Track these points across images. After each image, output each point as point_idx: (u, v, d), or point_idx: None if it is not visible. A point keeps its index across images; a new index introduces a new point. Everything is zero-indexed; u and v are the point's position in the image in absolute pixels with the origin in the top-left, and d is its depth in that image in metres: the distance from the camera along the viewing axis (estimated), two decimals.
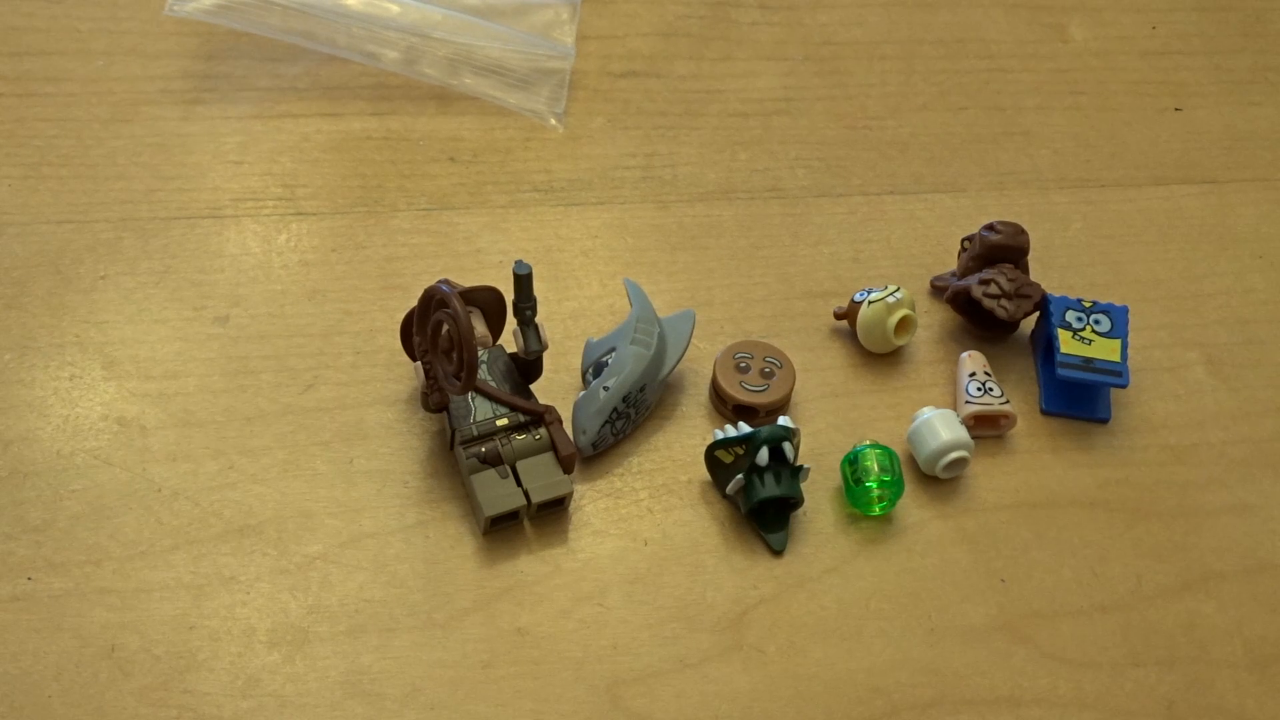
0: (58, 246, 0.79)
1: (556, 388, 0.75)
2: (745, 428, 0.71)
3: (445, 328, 0.67)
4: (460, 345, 0.65)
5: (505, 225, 0.83)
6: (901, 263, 0.84)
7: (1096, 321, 0.77)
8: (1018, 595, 0.71)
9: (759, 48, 0.95)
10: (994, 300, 0.77)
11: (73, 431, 0.72)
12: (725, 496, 0.72)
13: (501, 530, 0.70)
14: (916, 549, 0.72)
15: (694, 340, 0.76)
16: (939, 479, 0.74)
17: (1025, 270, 0.81)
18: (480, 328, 0.72)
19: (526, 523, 0.71)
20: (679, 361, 0.75)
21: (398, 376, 0.75)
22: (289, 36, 0.87)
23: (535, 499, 0.69)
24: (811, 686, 0.67)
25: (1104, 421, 0.78)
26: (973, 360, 0.78)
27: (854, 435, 0.75)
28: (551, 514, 0.71)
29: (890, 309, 0.77)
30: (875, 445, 0.72)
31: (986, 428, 0.76)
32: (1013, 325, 0.80)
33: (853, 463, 0.72)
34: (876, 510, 0.72)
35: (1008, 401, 0.76)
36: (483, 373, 0.72)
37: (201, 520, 0.69)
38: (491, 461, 0.70)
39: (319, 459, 0.72)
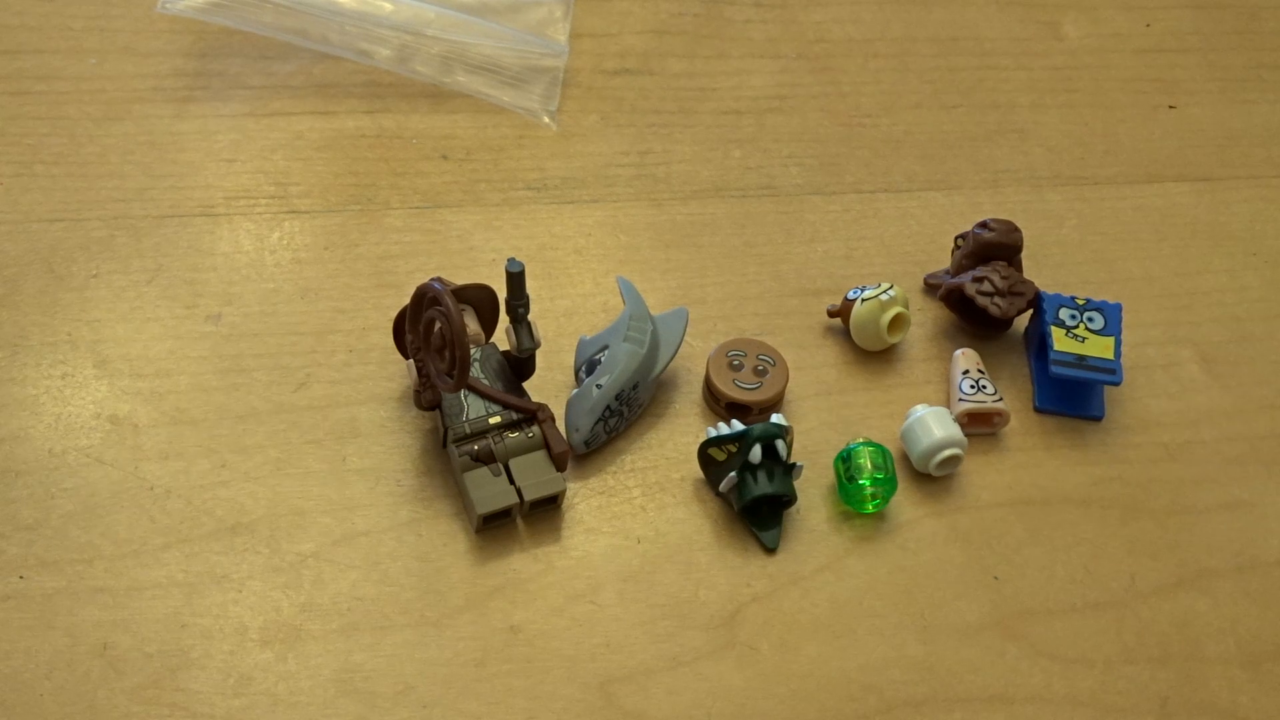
0: (50, 245, 0.79)
1: (549, 385, 0.75)
2: (738, 425, 0.71)
3: (438, 325, 0.67)
4: (453, 343, 0.65)
5: (498, 223, 0.83)
6: (895, 260, 0.84)
7: (1090, 319, 0.77)
8: (1011, 593, 0.71)
9: (752, 45, 0.95)
10: (987, 298, 0.77)
11: (65, 430, 0.72)
12: (718, 494, 0.72)
13: (494, 528, 0.70)
14: (910, 546, 0.72)
15: (687, 338, 0.76)
16: (932, 477, 0.74)
17: (1018, 268, 0.80)
18: (473, 326, 0.72)
19: (519, 521, 0.71)
20: (672, 359, 0.75)
21: (390, 374, 0.75)
22: (282, 34, 0.87)
23: (528, 497, 0.69)
24: (805, 684, 0.67)
25: (1097, 419, 0.78)
26: (966, 358, 0.78)
27: (847, 433, 0.75)
28: (544, 512, 0.71)
29: (883, 307, 0.77)
30: (868, 443, 0.72)
31: (980, 425, 0.76)
32: (1006, 323, 0.80)
33: (846, 460, 0.72)
34: (870, 508, 0.72)
35: (1001, 399, 0.76)
36: (475, 370, 0.72)
37: (194, 518, 0.69)
38: (484, 459, 0.70)
39: (311, 457, 0.72)
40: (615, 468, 0.73)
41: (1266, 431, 0.79)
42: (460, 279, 0.71)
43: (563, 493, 0.70)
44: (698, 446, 0.72)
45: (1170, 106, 0.96)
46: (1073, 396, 0.78)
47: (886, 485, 0.72)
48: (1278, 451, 0.78)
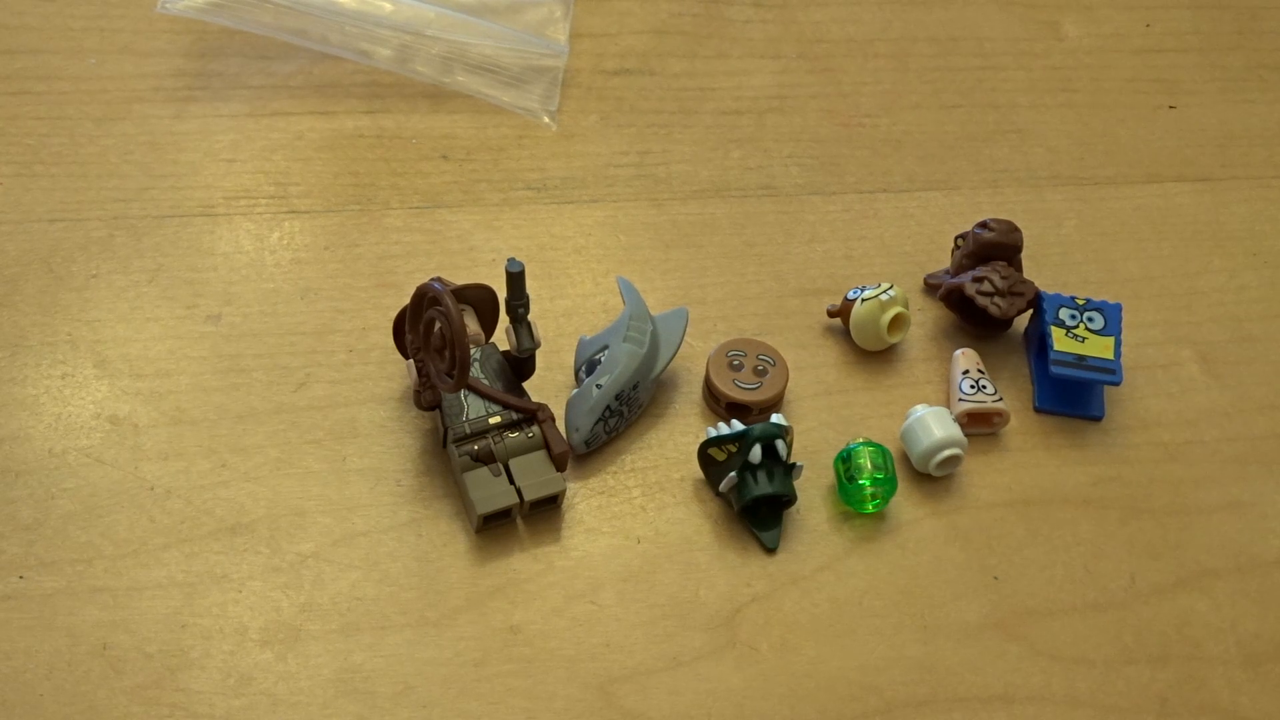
0: (50, 245, 0.79)
1: (549, 385, 0.75)
2: (738, 425, 0.71)
3: (438, 326, 0.67)
4: (453, 343, 0.65)
5: (498, 223, 0.83)
6: (895, 260, 0.84)
7: (1090, 319, 0.77)
8: (1011, 593, 0.71)
9: (752, 45, 0.95)
10: (987, 298, 0.77)
11: (65, 430, 0.72)
12: (718, 494, 0.72)
13: (494, 528, 0.70)
14: (909, 546, 0.72)
15: (687, 338, 0.76)
16: (932, 476, 0.74)
17: (1018, 268, 0.80)
18: (473, 326, 0.72)
19: (519, 521, 0.71)
20: (672, 359, 0.75)
21: (390, 375, 0.75)
22: (282, 34, 0.87)
23: (528, 497, 0.69)
24: (805, 684, 0.67)
25: (1097, 419, 0.78)
26: (966, 358, 0.78)
27: (847, 433, 0.75)
28: (544, 512, 0.71)
29: (883, 307, 0.77)
30: (868, 443, 0.72)
31: (980, 425, 0.76)
32: (1006, 323, 0.80)
33: (846, 460, 0.72)
34: (869, 508, 0.72)
35: (1001, 399, 0.76)
36: (475, 371, 0.72)
37: (193, 518, 0.69)
38: (484, 459, 0.70)
39: (311, 457, 0.72)
40: (615, 468, 0.73)
41: (1266, 431, 0.79)
42: (460, 279, 0.71)
43: (563, 493, 0.70)
44: (698, 446, 0.72)
45: (1170, 106, 0.96)
46: (1073, 396, 0.78)
47: (886, 485, 0.72)
48: (1278, 451, 0.78)
